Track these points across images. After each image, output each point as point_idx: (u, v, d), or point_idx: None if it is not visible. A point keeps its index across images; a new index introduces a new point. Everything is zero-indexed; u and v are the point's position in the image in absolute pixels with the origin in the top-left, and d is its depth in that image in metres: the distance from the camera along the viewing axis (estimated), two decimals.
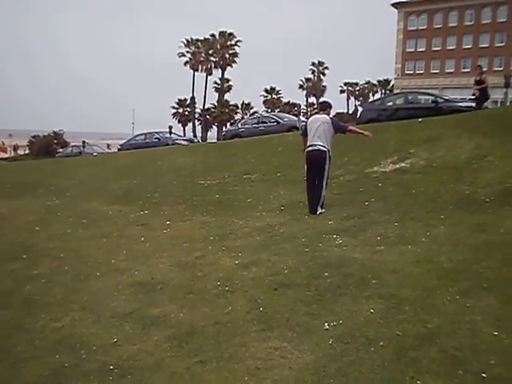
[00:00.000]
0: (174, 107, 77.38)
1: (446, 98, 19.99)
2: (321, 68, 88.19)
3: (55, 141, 48.02)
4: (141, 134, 31.16)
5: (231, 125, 46.79)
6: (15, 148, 63.57)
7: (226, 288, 5.53)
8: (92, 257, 7.41)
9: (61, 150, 41.06)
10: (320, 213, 8.31)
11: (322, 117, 8.77)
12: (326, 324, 4.34)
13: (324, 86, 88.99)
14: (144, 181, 13.61)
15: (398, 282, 5.03)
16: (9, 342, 4.74)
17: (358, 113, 21.82)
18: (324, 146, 8.46)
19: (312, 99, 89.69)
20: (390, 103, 19.80)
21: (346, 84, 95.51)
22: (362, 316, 4.41)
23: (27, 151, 53.47)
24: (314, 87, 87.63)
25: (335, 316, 4.47)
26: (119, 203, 11.20)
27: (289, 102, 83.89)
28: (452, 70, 60.44)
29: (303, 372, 3.66)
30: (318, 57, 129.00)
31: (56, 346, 4.56)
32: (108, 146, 39.36)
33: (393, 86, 69.86)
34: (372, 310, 4.47)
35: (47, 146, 45.72)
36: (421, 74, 61.88)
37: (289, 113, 42.28)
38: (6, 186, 14.62)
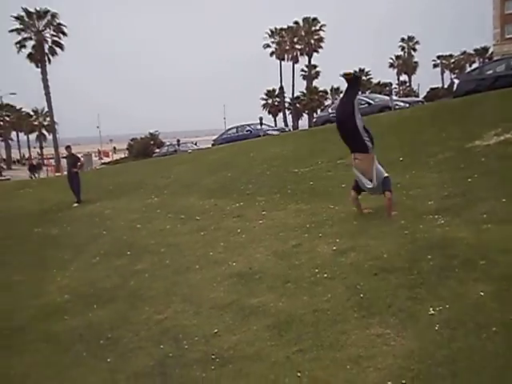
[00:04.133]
0: (263, 98, 77.83)
1: None
2: (411, 43, 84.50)
3: (152, 142, 49.99)
4: (232, 128, 31.60)
5: (321, 111, 46.15)
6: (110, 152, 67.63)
7: (325, 275, 5.43)
8: (191, 250, 7.60)
9: (157, 150, 42.62)
10: None
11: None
12: (431, 309, 4.10)
13: (415, 62, 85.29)
14: (237, 173, 13.76)
15: (510, 261, 4.64)
16: (117, 334, 4.98)
17: (454, 86, 20.42)
18: None
19: (404, 77, 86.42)
20: (490, 72, 18.37)
21: (439, 57, 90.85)
22: (471, 300, 4.11)
23: (127, 154, 56.14)
24: (404, 64, 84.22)
25: (440, 300, 4.21)
26: (215, 197, 11.40)
27: (379, 83, 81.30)
28: None
29: (408, 360, 3.48)
30: (408, 32, 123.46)
31: (160, 337, 4.71)
32: (195, 143, 40.20)
33: (492, 53, 65.11)
34: (481, 293, 4.16)
35: (145, 148, 47.68)
36: None
37: (380, 93, 41.02)
38: (108, 188, 15.45)
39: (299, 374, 3.63)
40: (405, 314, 4.13)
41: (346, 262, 5.66)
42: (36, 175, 43.99)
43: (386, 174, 7.19)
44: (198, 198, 11.73)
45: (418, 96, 60.82)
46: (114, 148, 71.74)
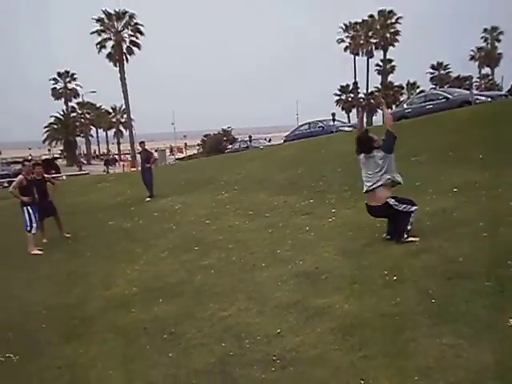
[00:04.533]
0: (336, 94, 76.95)
1: None
2: (495, 34, 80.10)
3: (224, 138, 50.58)
4: (305, 124, 31.29)
5: (396, 106, 44.86)
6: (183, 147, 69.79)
7: (394, 277, 5.19)
8: (258, 247, 7.54)
9: (229, 146, 43.04)
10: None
11: None
12: (511, 319, 3.78)
13: (499, 54, 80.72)
14: (308, 170, 13.57)
15: None
16: (181, 329, 5.00)
17: None
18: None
19: (486, 70, 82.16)
20: None
21: None
22: None
23: (201, 150, 57.28)
24: (487, 56, 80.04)
25: None
26: (284, 194, 11.29)
27: (458, 77, 77.75)
28: None
29: (482, 375, 3.21)
30: (491, 22, 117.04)
31: (222, 335, 4.67)
32: (269, 140, 40.30)
33: None
34: None
35: (217, 144, 48.33)
36: None
37: (459, 88, 39.31)
38: (180, 184, 15.71)
39: (363, 382, 3.45)
40: (480, 324, 3.84)
41: (418, 264, 5.39)
42: (110, 170, 46.34)
43: None
44: (267, 194, 11.67)
45: (501, 90, 57.65)
46: (186, 144, 73.42)
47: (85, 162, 67.76)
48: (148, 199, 14.32)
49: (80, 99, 71.48)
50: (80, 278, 7.41)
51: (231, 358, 4.19)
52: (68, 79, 72.64)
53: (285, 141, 30.99)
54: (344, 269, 5.84)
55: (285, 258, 6.76)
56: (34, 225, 9.75)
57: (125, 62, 53.30)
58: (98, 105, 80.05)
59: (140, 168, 16.16)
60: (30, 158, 43.26)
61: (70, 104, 73.51)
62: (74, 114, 74.66)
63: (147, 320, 5.34)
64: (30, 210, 9.73)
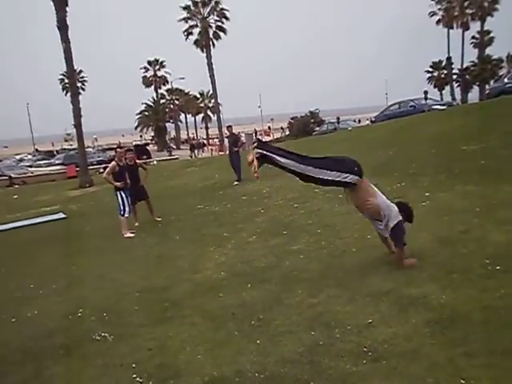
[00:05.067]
0: (428, 71, 73.58)
1: None
2: None
3: (312, 120, 49.94)
4: (395, 104, 30.24)
5: (495, 81, 42.15)
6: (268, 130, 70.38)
7: (497, 267, 4.84)
8: (348, 232, 7.33)
9: (317, 128, 42.55)
10: None
11: None
12: None
13: None
14: (399, 151, 13.07)
15: None
16: (269, 315, 4.90)
17: None
18: None
19: None
20: None
21: None
22: None
23: (286, 132, 57.32)
24: None
25: None
26: (375, 176, 10.81)
27: None
28: None
29: None
30: None
31: (311, 323, 4.52)
32: (359, 121, 39.42)
33: None
34: None
35: (305, 126, 47.93)
36: None
37: None
38: (268, 167, 15.57)
39: (463, 382, 3.18)
40: None
41: None
42: (196, 154, 47.80)
43: (400, 218, 5.50)
44: None
45: None
46: (269, 127, 73.88)
47: (174, 147, 69.93)
48: (236, 183, 14.45)
49: (169, 86, 73.87)
50: (169, 261, 7.57)
51: (320, 347, 4.03)
52: (157, 67, 75.15)
53: (374, 121, 30.18)
54: (440, 256, 5.51)
55: (375, 243, 6.48)
56: (127, 209, 10.12)
57: (211, 48, 54.21)
58: (186, 91, 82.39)
59: (228, 152, 16.32)
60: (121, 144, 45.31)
61: (159, 91, 76.13)
62: (163, 101, 77.27)
63: (235, 305, 5.31)
64: (123, 195, 10.11)
